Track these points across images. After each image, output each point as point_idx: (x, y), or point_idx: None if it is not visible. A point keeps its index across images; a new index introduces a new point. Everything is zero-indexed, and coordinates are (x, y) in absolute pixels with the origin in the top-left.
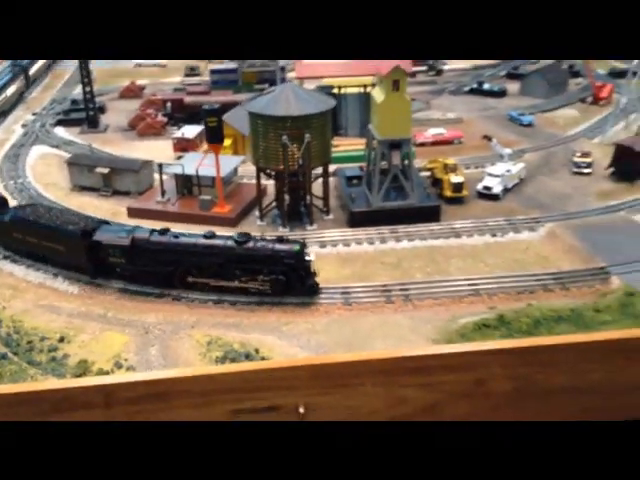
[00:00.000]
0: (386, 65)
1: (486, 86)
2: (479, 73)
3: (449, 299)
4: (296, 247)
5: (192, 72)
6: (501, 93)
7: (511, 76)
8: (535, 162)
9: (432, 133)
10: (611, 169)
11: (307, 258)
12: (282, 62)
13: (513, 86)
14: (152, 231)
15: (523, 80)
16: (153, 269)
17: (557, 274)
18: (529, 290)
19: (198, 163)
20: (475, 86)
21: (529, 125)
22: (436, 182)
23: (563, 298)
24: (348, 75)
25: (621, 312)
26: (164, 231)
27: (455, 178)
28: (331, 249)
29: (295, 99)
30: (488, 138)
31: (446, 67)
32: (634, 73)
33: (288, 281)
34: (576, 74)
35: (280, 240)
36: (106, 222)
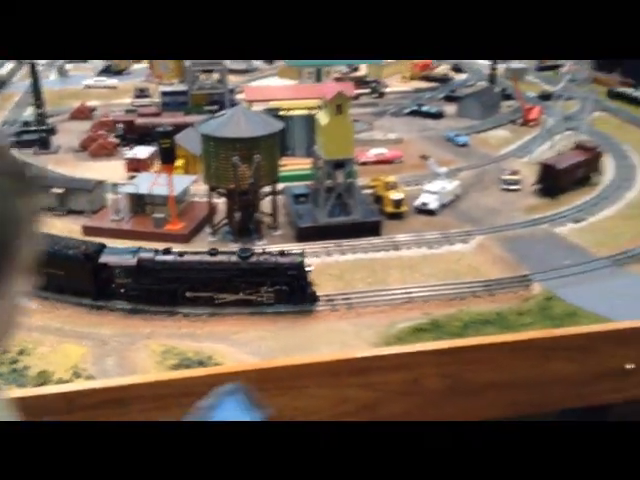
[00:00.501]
0: (330, 90)
1: (425, 108)
2: (419, 96)
3: (389, 307)
4: (298, 259)
5: (142, 94)
6: (439, 115)
7: (449, 99)
8: (469, 180)
9: (374, 153)
10: (536, 186)
11: (307, 269)
12: (231, 85)
13: (450, 108)
14: (156, 251)
15: (459, 103)
16: (159, 287)
17: (485, 282)
18: (460, 297)
19: (152, 183)
20: (415, 108)
21: (464, 145)
22: (378, 199)
23: (490, 303)
24: (295, 98)
25: (540, 314)
26: (167, 251)
27: (395, 195)
28: None
29: (245, 122)
30: (425, 157)
31: (388, 90)
32: (559, 96)
33: (291, 291)
34: (508, 97)
35: (282, 253)
36: (104, 245)
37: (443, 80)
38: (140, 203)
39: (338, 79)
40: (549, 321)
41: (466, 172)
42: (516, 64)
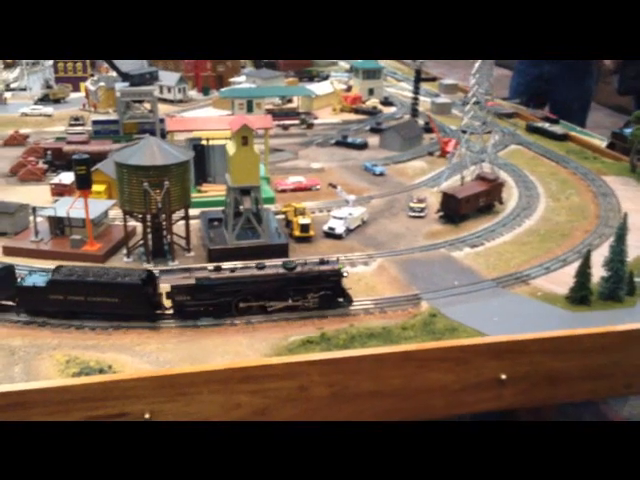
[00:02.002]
0: (237, 122)
1: (349, 139)
2: (346, 127)
3: (285, 322)
4: (339, 266)
5: (76, 122)
6: (362, 145)
7: (374, 130)
8: (379, 207)
9: (292, 181)
10: (440, 213)
11: (345, 274)
12: (162, 114)
13: (375, 139)
14: (209, 269)
15: (381, 135)
16: (214, 302)
17: (378, 300)
18: (353, 314)
19: (69, 206)
20: (340, 139)
21: (381, 174)
22: (288, 223)
23: (380, 319)
24: (213, 129)
25: (422, 329)
26: (218, 268)
27: (303, 220)
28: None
29: (158, 150)
30: (333, 186)
31: (317, 121)
32: (464, 131)
33: (333, 295)
34: (431, 130)
35: (322, 262)
36: (151, 271)
37: (372, 113)
38: (59, 225)
39: (269, 111)
40: (430, 335)
41: (378, 200)
42: (441, 99)
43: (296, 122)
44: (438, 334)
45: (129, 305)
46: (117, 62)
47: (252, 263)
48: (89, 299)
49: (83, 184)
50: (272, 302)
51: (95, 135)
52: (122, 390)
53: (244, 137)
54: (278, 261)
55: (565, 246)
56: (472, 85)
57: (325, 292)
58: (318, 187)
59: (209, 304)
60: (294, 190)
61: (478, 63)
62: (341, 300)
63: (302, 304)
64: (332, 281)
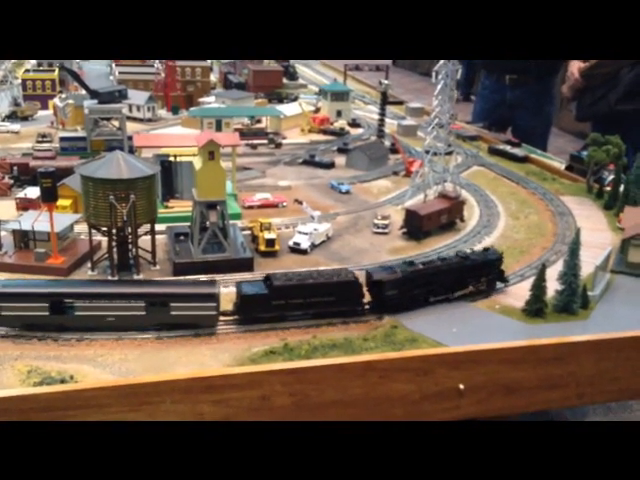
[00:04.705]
0: (204, 138)
1: (317, 159)
2: (314, 147)
3: (249, 334)
4: (499, 252)
5: (44, 139)
6: (330, 165)
7: (341, 150)
8: (344, 223)
9: (258, 197)
10: (403, 230)
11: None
12: (130, 131)
13: (342, 159)
14: (405, 263)
15: (348, 154)
16: (411, 294)
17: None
18: (316, 325)
19: (34, 219)
20: (307, 158)
21: (347, 193)
22: (254, 238)
23: (343, 331)
24: (181, 145)
25: (383, 340)
26: (411, 262)
27: (268, 235)
28: None
29: (124, 164)
30: (299, 202)
31: (286, 141)
32: (427, 151)
33: (497, 278)
34: (396, 151)
35: (485, 249)
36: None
37: (339, 134)
38: (24, 239)
39: (238, 130)
40: (390, 346)
41: (343, 216)
42: (407, 121)
43: (264, 142)
44: (398, 345)
45: (344, 302)
46: (86, 80)
47: (434, 255)
48: (308, 300)
49: (48, 197)
50: (456, 290)
51: (62, 151)
52: (84, 399)
53: (211, 152)
54: (451, 252)
55: (523, 262)
56: (435, 107)
57: (492, 276)
58: (285, 204)
59: (407, 297)
60: (261, 207)
61: (440, 85)
62: (500, 283)
63: (476, 289)
64: (496, 266)
